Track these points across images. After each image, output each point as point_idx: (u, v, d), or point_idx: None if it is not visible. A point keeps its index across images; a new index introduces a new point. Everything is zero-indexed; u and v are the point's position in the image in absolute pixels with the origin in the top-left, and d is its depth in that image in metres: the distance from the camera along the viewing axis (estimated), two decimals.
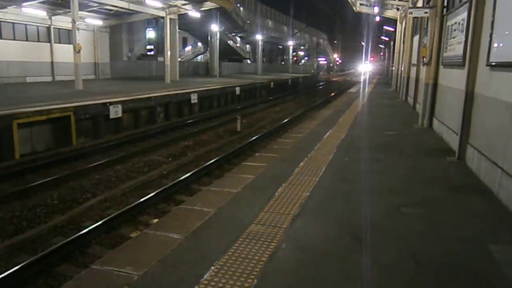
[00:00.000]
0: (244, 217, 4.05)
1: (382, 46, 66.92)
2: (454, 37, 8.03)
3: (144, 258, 3.17)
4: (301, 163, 6.20)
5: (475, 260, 3.31)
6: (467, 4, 6.81)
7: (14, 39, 22.32)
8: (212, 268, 3.03)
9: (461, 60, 7.14)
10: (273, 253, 3.30)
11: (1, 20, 21.27)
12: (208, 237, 3.61)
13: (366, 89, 24.99)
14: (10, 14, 21.34)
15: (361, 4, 25.93)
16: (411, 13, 11.34)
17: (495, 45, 5.32)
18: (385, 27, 42.60)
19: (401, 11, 22.53)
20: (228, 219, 4.02)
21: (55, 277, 4.91)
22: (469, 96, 6.36)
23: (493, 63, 5.36)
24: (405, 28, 19.88)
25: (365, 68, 72.26)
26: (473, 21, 6.34)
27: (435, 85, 9.78)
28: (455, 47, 7.81)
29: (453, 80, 7.98)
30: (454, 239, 3.72)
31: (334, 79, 59.53)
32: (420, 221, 4.12)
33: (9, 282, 4.59)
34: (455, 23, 7.94)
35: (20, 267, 4.77)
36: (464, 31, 7.00)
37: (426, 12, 10.41)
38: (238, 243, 3.46)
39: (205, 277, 2.91)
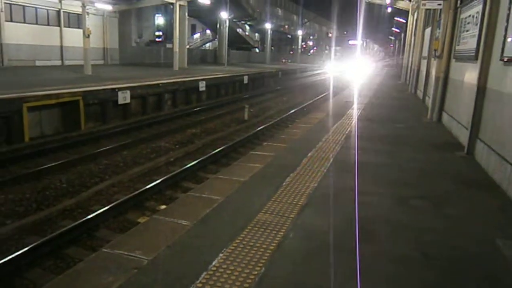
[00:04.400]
0: (252, 205, 4.07)
1: (392, 38, 66.19)
2: (467, 30, 7.92)
3: (153, 243, 3.21)
4: (309, 154, 6.21)
5: (482, 255, 3.32)
6: None
7: (24, 22, 22.34)
8: (221, 255, 3.07)
9: (474, 54, 7.05)
10: (281, 242, 3.32)
11: (12, 3, 21.27)
12: (216, 224, 3.64)
13: (375, 82, 24.79)
14: None
15: None
16: (424, 4, 11.17)
17: (510, 39, 5.25)
18: (396, 19, 42.11)
19: (413, 3, 22.19)
20: (236, 208, 4.05)
21: (63, 259, 4.99)
22: (481, 91, 6.30)
23: (507, 58, 5.29)
24: (416, 20, 19.63)
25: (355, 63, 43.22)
26: (488, 14, 6.25)
27: (446, 78, 9.68)
28: (468, 40, 7.71)
29: (464, 74, 7.90)
30: (462, 233, 3.72)
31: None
32: (428, 214, 4.13)
33: (19, 262, 4.67)
34: (469, 16, 7.82)
35: (30, 248, 4.85)
36: (478, 25, 6.90)
37: (439, 4, 10.27)
38: (246, 231, 3.49)
39: (213, 263, 2.94)
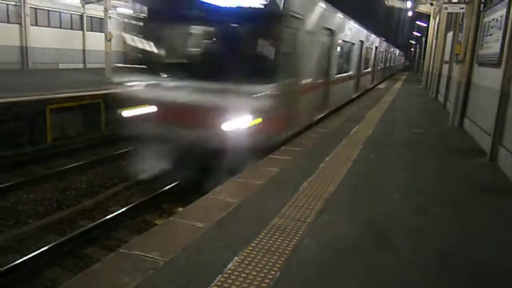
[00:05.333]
0: (268, 209, 4.06)
1: (414, 42, 65.34)
2: (491, 35, 7.75)
3: (170, 245, 3.23)
4: (327, 158, 6.16)
5: (503, 263, 3.22)
6: (507, 0, 6.55)
7: (49, 27, 22.93)
8: (236, 258, 3.07)
9: (497, 58, 6.89)
10: (296, 247, 3.30)
11: (37, 7, 21.87)
12: (232, 227, 3.64)
13: (395, 86, 24.50)
14: (45, 1, 21.92)
15: None
16: (446, 8, 11.00)
17: None
18: (418, 22, 41.58)
19: (435, 6, 21.88)
20: (252, 211, 4.04)
21: (82, 258, 5.08)
22: (504, 96, 6.15)
23: None
24: (438, 24, 19.33)
25: None
26: None
27: (468, 83, 9.48)
28: (492, 45, 7.55)
29: (487, 79, 7.72)
30: (482, 241, 3.63)
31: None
32: (447, 222, 4.04)
33: (39, 261, 4.77)
34: (493, 19, 7.66)
35: (50, 247, 4.95)
36: (502, 28, 6.75)
37: (462, 8, 10.09)
38: (262, 235, 3.48)
39: (228, 266, 2.94)
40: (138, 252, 3.09)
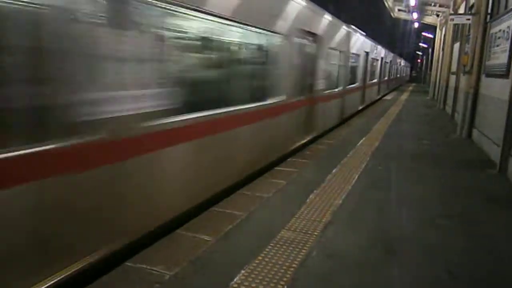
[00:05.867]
0: (275, 222, 4.03)
1: (420, 53, 65.39)
2: (498, 45, 7.73)
3: (176, 258, 3.22)
4: (334, 170, 6.13)
5: None
6: None
7: None
8: (242, 271, 3.04)
9: (505, 69, 6.86)
10: (304, 260, 3.26)
11: None
12: (238, 240, 3.62)
13: (401, 97, 24.45)
14: None
15: (399, 10, 25.45)
16: (452, 19, 11.01)
17: None
18: (424, 34, 41.67)
19: (441, 18, 21.95)
20: (259, 224, 4.02)
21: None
22: None
23: None
24: (445, 35, 19.34)
25: None
26: None
27: (476, 94, 9.43)
28: (499, 55, 7.52)
29: (495, 89, 7.67)
30: (491, 253, 3.56)
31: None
32: (456, 234, 3.98)
33: None
34: (500, 30, 7.64)
35: None
36: (509, 39, 6.73)
37: (468, 19, 10.09)
38: (269, 248, 3.45)
39: (235, 280, 2.92)
40: (144, 266, 3.08)
